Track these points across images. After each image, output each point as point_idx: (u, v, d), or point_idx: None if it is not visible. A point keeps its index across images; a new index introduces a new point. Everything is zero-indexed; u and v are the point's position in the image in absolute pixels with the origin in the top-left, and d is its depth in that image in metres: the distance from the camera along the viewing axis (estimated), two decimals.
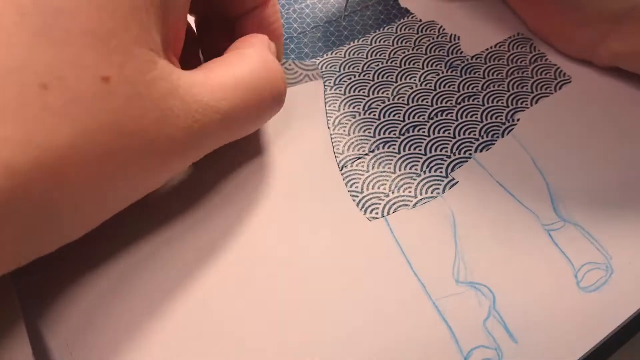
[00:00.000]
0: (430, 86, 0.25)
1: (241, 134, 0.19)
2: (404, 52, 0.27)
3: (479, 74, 0.26)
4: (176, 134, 0.16)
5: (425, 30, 0.28)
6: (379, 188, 0.21)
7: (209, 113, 0.17)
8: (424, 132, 0.23)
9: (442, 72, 0.26)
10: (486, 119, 0.24)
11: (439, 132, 0.23)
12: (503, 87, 0.25)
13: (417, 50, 0.27)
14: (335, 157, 0.22)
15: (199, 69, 0.18)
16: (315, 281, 0.19)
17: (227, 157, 0.22)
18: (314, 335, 0.18)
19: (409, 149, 0.23)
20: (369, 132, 0.23)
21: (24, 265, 0.14)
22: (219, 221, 0.20)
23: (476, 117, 0.24)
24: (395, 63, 0.26)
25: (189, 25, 0.21)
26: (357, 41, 0.27)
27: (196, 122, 0.16)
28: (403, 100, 0.25)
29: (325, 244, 0.20)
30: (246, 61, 0.19)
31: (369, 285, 0.19)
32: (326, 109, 0.24)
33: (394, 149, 0.23)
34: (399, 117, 0.24)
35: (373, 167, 0.22)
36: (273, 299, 0.19)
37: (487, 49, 0.27)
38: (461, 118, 0.24)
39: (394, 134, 0.23)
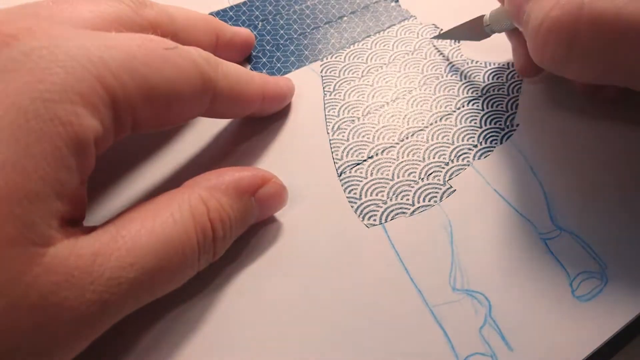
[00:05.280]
0: (430, 91, 0.25)
1: (158, 295, 0.17)
2: (403, 57, 0.27)
3: (479, 78, 0.26)
4: (65, 329, 0.14)
5: (426, 34, 0.28)
6: (377, 195, 0.22)
7: (111, 287, 0.14)
8: (422, 138, 0.23)
9: (442, 77, 0.26)
10: (485, 125, 0.24)
11: (438, 138, 0.23)
12: (503, 91, 0.25)
13: (417, 54, 0.27)
14: (334, 162, 0.23)
15: (111, 223, 0.16)
16: (312, 287, 0.19)
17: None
18: (311, 341, 0.18)
19: (408, 156, 0.23)
20: (368, 138, 0.23)
21: None
22: None
23: (475, 123, 0.24)
24: (395, 68, 0.26)
25: None
26: (358, 44, 0.27)
27: (93, 304, 0.14)
28: (402, 105, 0.25)
29: (323, 249, 0.20)
30: (169, 210, 0.16)
31: (366, 291, 0.19)
32: (325, 115, 0.24)
33: (392, 155, 0.23)
34: (398, 122, 0.24)
35: (372, 174, 0.22)
36: (269, 305, 0.19)
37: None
38: (460, 123, 0.24)
39: (393, 140, 0.23)
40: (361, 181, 0.22)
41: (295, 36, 0.28)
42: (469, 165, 0.22)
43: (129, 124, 0.17)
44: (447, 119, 0.24)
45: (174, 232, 0.16)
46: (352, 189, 0.22)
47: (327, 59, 0.27)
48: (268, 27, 0.28)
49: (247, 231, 0.20)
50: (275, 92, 0.23)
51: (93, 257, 0.14)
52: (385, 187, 0.22)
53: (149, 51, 0.17)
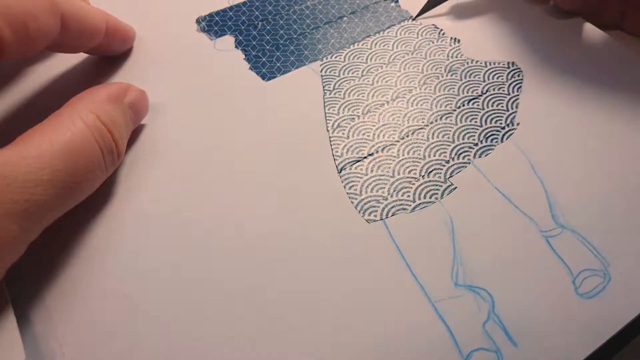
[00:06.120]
0: (430, 90, 0.25)
1: (79, 197, 0.19)
2: (403, 57, 0.27)
3: (479, 78, 0.26)
4: None
5: (426, 34, 0.28)
6: (377, 191, 0.21)
7: (28, 188, 0.16)
8: (423, 136, 0.23)
9: (442, 76, 0.26)
10: (486, 123, 0.24)
11: (438, 137, 0.23)
12: (503, 91, 0.25)
13: (417, 54, 0.27)
14: (334, 159, 0.22)
15: (13, 144, 0.17)
16: (314, 283, 0.19)
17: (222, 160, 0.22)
18: (313, 337, 0.18)
19: (408, 153, 0.23)
20: (368, 136, 0.23)
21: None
22: (216, 222, 0.20)
23: (476, 122, 0.24)
24: (395, 67, 0.26)
25: None
26: (357, 44, 0.27)
27: (15, 203, 0.16)
28: (402, 104, 0.25)
29: (325, 246, 0.20)
30: (64, 124, 0.18)
31: (368, 286, 0.19)
32: (325, 113, 0.24)
33: (393, 152, 0.23)
34: (398, 121, 0.24)
35: (372, 171, 0.22)
36: (271, 301, 0.18)
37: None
38: (461, 122, 0.24)
39: (393, 138, 0.23)
40: (361, 178, 0.22)
41: (295, 36, 0.28)
42: (469, 163, 0.22)
43: None
44: (447, 117, 0.24)
45: (73, 139, 0.18)
46: (352, 186, 0.22)
47: (327, 58, 0.27)
48: (268, 27, 0.28)
49: (242, 226, 0.20)
50: (118, 25, 0.25)
51: (2, 165, 0.16)
52: (386, 184, 0.22)
53: None
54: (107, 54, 0.26)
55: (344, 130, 0.24)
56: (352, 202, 0.21)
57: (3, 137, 0.20)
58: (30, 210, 0.16)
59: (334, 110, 0.24)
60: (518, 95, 0.25)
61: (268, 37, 0.28)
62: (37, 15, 0.19)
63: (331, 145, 0.23)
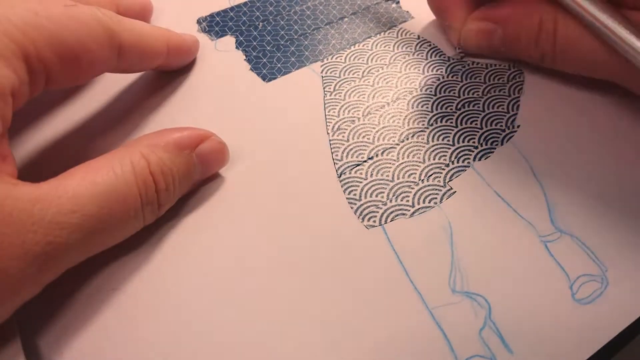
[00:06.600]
0: (431, 91, 0.25)
1: (106, 244, 0.18)
2: (404, 57, 0.27)
3: (480, 79, 0.26)
4: (11, 265, 0.14)
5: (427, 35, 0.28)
6: (377, 196, 0.21)
7: (53, 230, 0.15)
8: (423, 139, 0.23)
9: (443, 77, 0.26)
10: (486, 126, 0.24)
11: (438, 139, 0.23)
12: (504, 92, 0.25)
13: (418, 55, 0.27)
14: (334, 163, 0.23)
15: (58, 177, 0.17)
16: (311, 288, 0.19)
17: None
18: (309, 342, 0.18)
19: (408, 157, 0.23)
20: (368, 139, 0.23)
21: None
22: (212, 226, 0.21)
23: (476, 124, 0.24)
24: (396, 68, 0.26)
25: None
26: (358, 45, 0.27)
27: (36, 245, 0.15)
28: (403, 105, 0.25)
29: (323, 250, 0.20)
30: (112, 164, 0.17)
31: (365, 292, 0.19)
32: (326, 115, 0.24)
33: (392, 156, 0.23)
34: (398, 123, 0.24)
35: (371, 175, 0.22)
36: (268, 306, 0.19)
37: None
38: (461, 125, 0.24)
39: (393, 141, 0.23)
40: (361, 182, 0.22)
41: (296, 37, 0.28)
42: (469, 166, 0.22)
43: (43, 78, 0.18)
44: (448, 120, 0.24)
45: (115, 183, 0.17)
46: (352, 190, 0.22)
47: (327, 59, 0.27)
48: (269, 28, 0.28)
49: (241, 230, 0.20)
50: (179, 43, 0.24)
51: (32, 202, 0.15)
52: (385, 189, 0.22)
53: (50, 7, 0.18)
54: (167, 70, 0.26)
55: (344, 133, 0.24)
56: (351, 208, 0.21)
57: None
58: (50, 254, 0.15)
59: (334, 112, 0.24)
60: (519, 97, 0.25)
61: (269, 38, 0.28)
62: (90, 46, 0.18)
63: (331, 148, 0.23)
